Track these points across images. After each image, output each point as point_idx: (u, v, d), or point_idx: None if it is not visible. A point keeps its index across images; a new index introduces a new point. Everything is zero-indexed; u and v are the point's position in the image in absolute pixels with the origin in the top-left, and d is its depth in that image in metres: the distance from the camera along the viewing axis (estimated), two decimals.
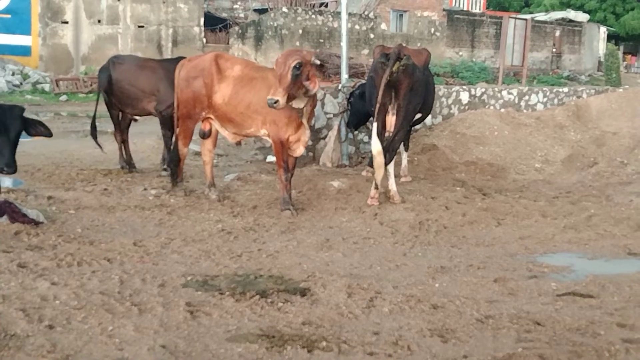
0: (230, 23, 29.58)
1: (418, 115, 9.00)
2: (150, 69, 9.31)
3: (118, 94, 9.28)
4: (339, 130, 10.74)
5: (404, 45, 8.95)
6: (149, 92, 9.18)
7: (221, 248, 6.15)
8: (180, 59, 8.99)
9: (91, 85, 22.48)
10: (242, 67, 7.84)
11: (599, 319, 4.64)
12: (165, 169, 9.11)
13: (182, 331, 4.21)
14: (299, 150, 7.72)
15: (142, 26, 26.01)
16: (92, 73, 23.74)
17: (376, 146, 7.80)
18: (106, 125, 10.61)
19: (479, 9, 42.60)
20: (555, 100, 13.96)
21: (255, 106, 7.55)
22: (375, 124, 7.94)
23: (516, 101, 13.45)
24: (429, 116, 10.76)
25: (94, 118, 9.48)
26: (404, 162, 9.70)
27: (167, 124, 9.07)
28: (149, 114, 9.46)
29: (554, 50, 40.08)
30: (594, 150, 11.54)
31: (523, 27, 17.69)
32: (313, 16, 30.09)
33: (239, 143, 8.68)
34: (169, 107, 8.81)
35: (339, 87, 11.02)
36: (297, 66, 6.94)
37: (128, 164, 9.53)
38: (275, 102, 6.85)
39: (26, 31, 24.04)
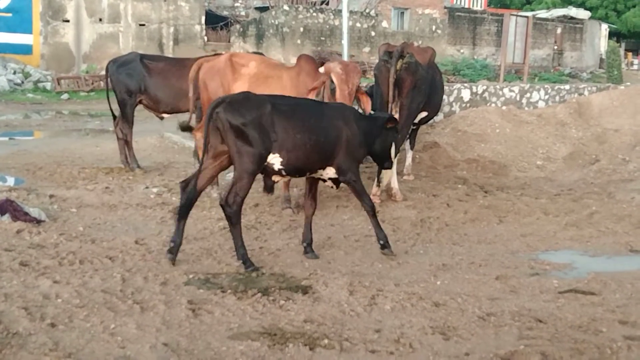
0: (232, 21, 29.55)
1: (424, 114, 8.89)
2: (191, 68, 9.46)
3: (157, 94, 9.36)
4: None
5: (409, 43, 8.91)
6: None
7: (223, 246, 6.15)
8: (217, 55, 9.38)
9: (92, 83, 22.48)
10: (257, 64, 7.71)
11: (601, 316, 4.64)
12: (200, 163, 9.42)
13: (184, 329, 4.22)
14: None
15: (143, 24, 26.01)
16: (93, 72, 23.76)
17: None
18: (107, 124, 10.59)
19: (480, 7, 42.59)
20: (557, 98, 13.94)
21: None
22: None
23: (518, 98, 13.43)
24: None
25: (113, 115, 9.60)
26: (408, 160, 9.66)
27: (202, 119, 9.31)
28: (180, 111, 9.59)
29: (556, 47, 40.02)
30: (596, 148, 11.53)
31: (524, 24, 17.63)
32: (314, 14, 30.06)
33: None
34: None
35: None
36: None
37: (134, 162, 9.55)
38: None
39: (27, 30, 24.03)
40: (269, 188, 6.33)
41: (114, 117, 9.60)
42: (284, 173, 5.71)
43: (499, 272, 5.68)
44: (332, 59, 7.74)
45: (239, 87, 7.48)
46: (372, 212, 6.01)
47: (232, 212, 5.50)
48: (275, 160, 5.55)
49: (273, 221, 7.17)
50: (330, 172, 5.86)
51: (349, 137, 5.79)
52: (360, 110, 6.74)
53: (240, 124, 5.34)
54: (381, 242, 6.03)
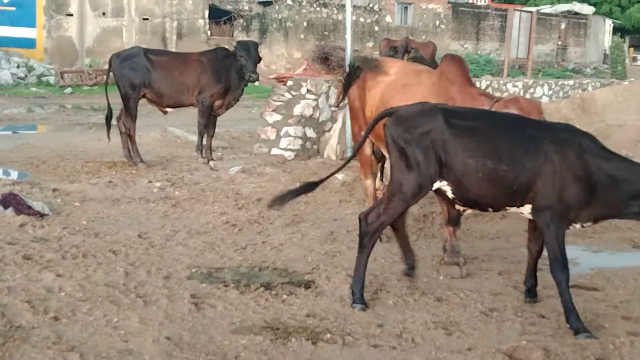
0: (235, 16, 29.50)
1: None
2: (194, 62, 9.58)
3: (160, 88, 9.42)
4: (343, 123, 10.72)
5: (410, 38, 8.93)
6: (193, 84, 9.47)
7: (226, 240, 6.15)
8: (219, 49, 9.78)
9: (96, 77, 22.49)
10: (397, 70, 6.47)
11: (604, 311, 4.65)
12: (203, 157, 9.65)
13: (186, 323, 4.22)
14: None
15: (147, 19, 25.99)
16: (96, 66, 23.76)
17: None
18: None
19: (484, 1, 42.44)
20: (561, 93, 13.92)
21: None
22: None
23: (521, 94, 13.41)
24: None
25: (109, 109, 9.56)
26: None
27: (205, 113, 9.53)
28: (183, 105, 9.75)
29: (559, 42, 39.93)
30: None
31: (528, 19, 17.61)
32: (318, 8, 30.00)
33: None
34: (211, 97, 9.48)
35: None
36: None
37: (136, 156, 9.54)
38: None
39: (31, 24, 24.03)
40: (453, 220, 5.43)
41: (110, 111, 9.54)
42: (460, 203, 4.72)
43: (502, 267, 5.68)
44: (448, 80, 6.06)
45: (372, 97, 6.47)
46: (564, 283, 4.35)
47: (367, 231, 4.64)
48: (446, 188, 4.56)
49: (276, 216, 7.16)
50: (528, 210, 4.53)
51: (558, 169, 4.34)
52: None
53: (404, 142, 4.48)
54: (570, 324, 4.31)
